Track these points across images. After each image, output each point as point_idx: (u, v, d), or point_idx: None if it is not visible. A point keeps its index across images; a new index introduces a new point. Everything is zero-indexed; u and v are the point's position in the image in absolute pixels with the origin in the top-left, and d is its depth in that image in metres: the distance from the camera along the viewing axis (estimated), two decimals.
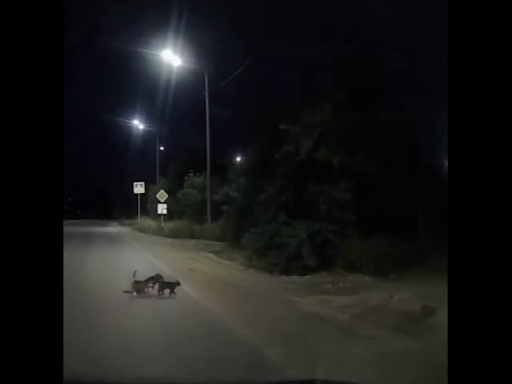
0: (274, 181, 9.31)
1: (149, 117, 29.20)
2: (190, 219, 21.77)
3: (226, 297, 6.38)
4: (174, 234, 19.71)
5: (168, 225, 22.36)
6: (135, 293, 5.99)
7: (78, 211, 58.33)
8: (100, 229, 28.40)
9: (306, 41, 10.40)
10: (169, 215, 23.68)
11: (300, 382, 2.72)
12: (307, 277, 8.04)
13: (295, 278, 8.05)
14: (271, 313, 5.28)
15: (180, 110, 28.86)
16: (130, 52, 19.27)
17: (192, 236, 18.41)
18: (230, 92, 16.23)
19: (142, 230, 25.32)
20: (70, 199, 57.70)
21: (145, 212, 29.79)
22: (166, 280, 6.19)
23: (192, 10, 14.23)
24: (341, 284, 7.37)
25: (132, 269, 6.54)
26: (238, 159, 18.45)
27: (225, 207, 12.53)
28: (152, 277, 6.17)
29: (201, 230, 18.19)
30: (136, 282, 6.06)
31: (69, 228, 19.19)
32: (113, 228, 31.63)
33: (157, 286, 6.10)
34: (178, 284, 6.13)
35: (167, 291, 6.04)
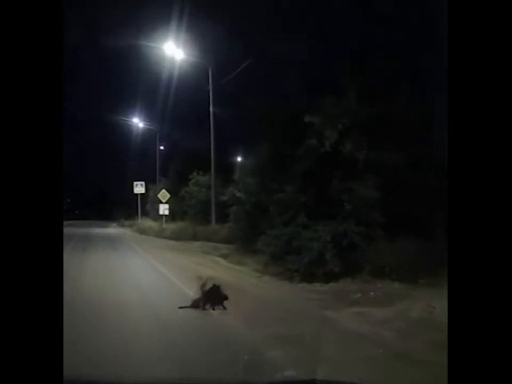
0: (292, 179, 8.52)
1: (149, 116, 28.61)
2: (192, 220, 20.98)
3: (249, 313, 5.38)
4: (176, 236, 18.95)
5: (169, 226, 21.63)
6: (208, 307, 5.02)
7: (77, 212, 57.75)
8: (98, 230, 27.91)
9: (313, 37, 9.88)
10: (170, 216, 22.96)
11: (300, 382, 2.71)
12: (331, 284, 7.27)
13: (317, 286, 7.27)
14: (308, 334, 4.41)
15: (181, 109, 27.85)
16: (131, 49, 18.87)
17: (195, 237, 17.66)
18: (233, 90, 15.99)
19: (142, 231, 24.62)
20: (69, 200, 57.02)
21: (145, 213, 29.07)
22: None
23: (194, 7, 13.92)
24: (371, 293, 6.60)
25: (132, 273, 5.86)
26: (240, 159, 17.88)
27: (233, 208, 11.80)
28: (212, 287, 5.22)
29: (205, 232, 17.40)
30: (207, 294, 5.06)
31: (67, 229, 18.55)
32: (112, 229, 31.06)
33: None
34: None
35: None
